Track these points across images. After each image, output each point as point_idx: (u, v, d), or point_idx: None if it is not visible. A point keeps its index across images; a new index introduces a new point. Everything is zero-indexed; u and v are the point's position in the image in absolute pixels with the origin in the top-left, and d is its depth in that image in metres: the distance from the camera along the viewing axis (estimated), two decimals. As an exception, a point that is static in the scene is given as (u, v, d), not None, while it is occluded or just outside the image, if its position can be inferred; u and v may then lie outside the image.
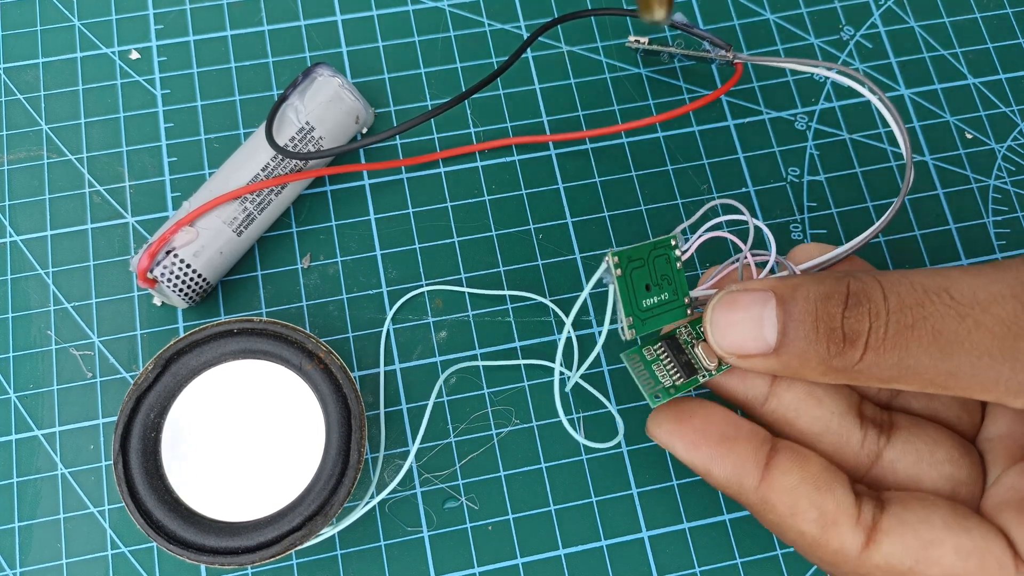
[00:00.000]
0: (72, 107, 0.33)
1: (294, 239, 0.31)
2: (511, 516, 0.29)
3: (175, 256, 0.28)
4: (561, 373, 0.30)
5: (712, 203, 0.24)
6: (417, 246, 0.32)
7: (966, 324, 0.19)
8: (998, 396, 0.19)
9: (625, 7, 0.35)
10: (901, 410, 0.24)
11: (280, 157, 0.29)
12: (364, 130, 0.32)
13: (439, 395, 0.30)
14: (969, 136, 0.34)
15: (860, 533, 0.20)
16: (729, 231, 0.24)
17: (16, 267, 0.31)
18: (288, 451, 0.26)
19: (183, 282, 0.28)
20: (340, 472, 0.25)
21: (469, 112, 0.33)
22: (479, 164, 0.33)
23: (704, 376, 0.23)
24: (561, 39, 0.35)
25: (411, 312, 0.31)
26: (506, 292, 0.31)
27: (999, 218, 0.33)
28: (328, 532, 0.26)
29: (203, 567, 0.28)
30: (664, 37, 0.33)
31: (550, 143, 0.33)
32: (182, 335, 0.26)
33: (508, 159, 0.33)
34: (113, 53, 0.34)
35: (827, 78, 0.34)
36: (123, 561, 0.28)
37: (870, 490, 0.22)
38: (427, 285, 0.31)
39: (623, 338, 0.22)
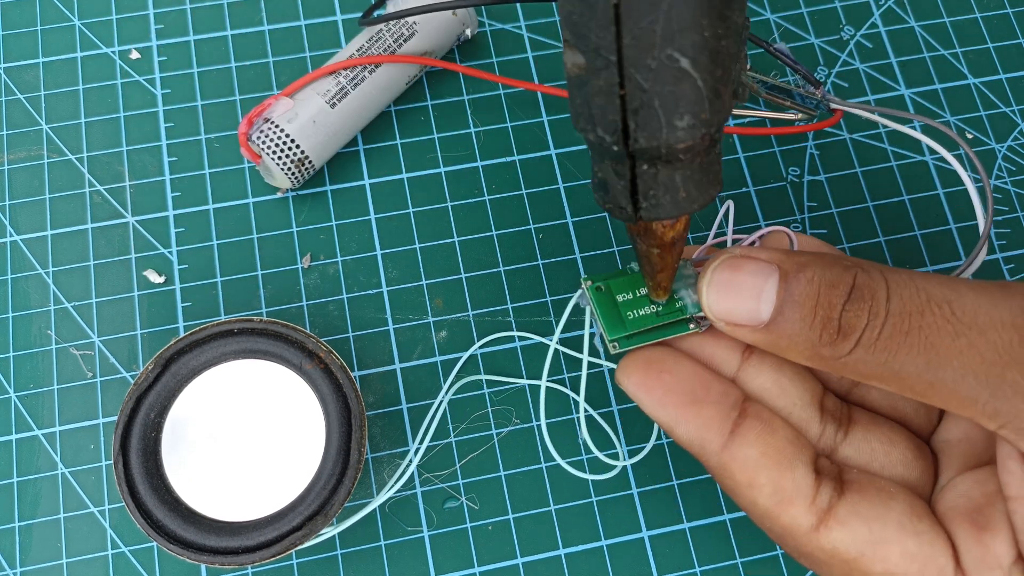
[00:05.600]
0: (72, 107, 0.33)
1: (294, 239, 0.31)
2: (511, 516, 0.29)
3: (271, 123, 0.29)
4: (577, 401, 0.30)
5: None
6: (417, 246, 0.32)
7: (959, 343, 0.18)
8: (973, 414, 0.19)
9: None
10: (859, 403, 0.24)
11: (374, 39, 0.31)
12: (468, 32, 0.33)
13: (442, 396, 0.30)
14: (969, 136, 0.34)
15: (812, 515, 0.20)
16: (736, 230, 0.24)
17: (16, 267, 0.31)
18: (288, 451, 0.26)
19: (280, 149, 0.29)
20: (340, 472, 0.25)
21: (470, 113, 0.33)
22: (479, 164, 0.33)
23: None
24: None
25: (411, 312, 0.31)
26: (515, 332, 0.31)
27: (999, 218, 0.33)
28: (329, 532, 0.26)
29: (203, 567, 0.28)
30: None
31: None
32: (182, 335, 0.26)
33: (508, 159, 0.33)
34: (113, 53, 0.34)
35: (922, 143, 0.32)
36: (123, 561, 0.28)
37: (834, 468, 0.21)
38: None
39: (609, 351, 0.22)
